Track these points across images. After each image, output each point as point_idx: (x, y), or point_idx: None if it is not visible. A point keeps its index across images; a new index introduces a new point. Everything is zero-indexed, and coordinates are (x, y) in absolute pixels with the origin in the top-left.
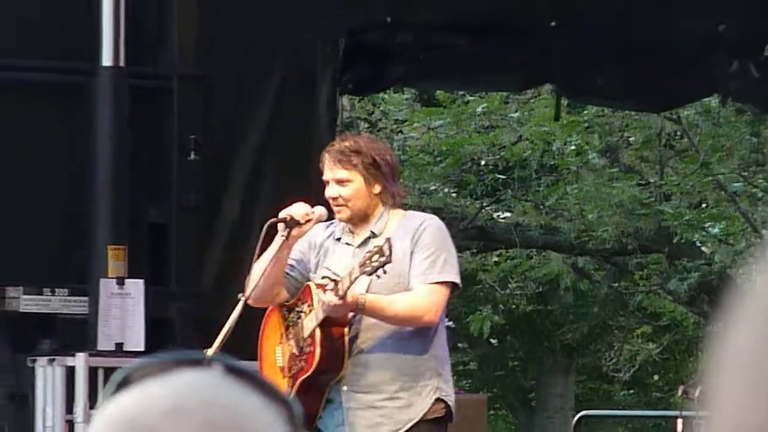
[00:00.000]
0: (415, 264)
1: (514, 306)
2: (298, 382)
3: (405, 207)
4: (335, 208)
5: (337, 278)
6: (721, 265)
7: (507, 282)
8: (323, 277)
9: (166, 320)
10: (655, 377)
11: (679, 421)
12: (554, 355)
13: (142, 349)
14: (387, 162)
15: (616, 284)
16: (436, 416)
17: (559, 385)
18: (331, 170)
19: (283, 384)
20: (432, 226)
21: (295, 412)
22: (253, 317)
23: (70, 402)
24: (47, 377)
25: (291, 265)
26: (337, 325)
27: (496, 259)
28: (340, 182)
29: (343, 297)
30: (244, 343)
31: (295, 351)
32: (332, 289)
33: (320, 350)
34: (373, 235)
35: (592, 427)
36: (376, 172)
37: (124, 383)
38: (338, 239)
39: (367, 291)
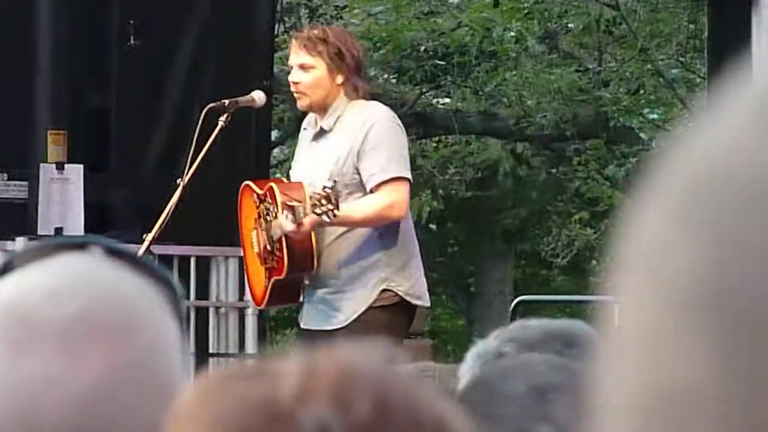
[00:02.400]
0: (368, 163)
1: (453, 191)
2: (272, 280)
3: (371, 98)
4: (296, 95)
5: (295, 205)
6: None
7: (446, 167)
8: (284, 198)
9: (107, 205)
10: (593, 262)
11: (616, 306)
12: (493, 241)
13: (81, 233)
14: (353, 55)
15: (555, 170)
16: (384, 304)
17: (498, 270)
18: (296, 54)
19: (259, 269)
20: (380, 122)
21: (176, 291)
22: (191, 203)
23: None
24: None
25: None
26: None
27: (435, 144)
28: (302, 67)
29: (298, 226)
30: (183, 229)
31: (267, 246)
32: (289, 217)
33: (288, 257)
34: (323, 131)
35: (530, 311)
36: (340, 63)
37: (6, 269)
38: (305, 129)
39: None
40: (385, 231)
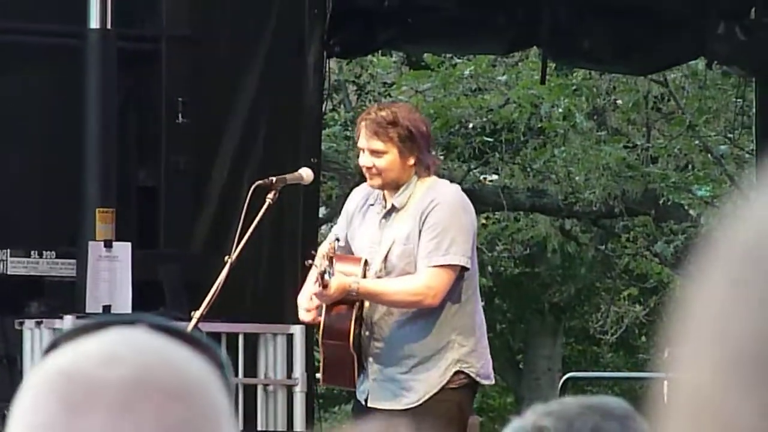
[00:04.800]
0: (421, 246)
1: (501, 268)
2: (321, 350)
3: (439, 176)
4: (368, 175)
5: (324, 268)
6: (708, 227)
7: (494, 244)
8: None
9: (155, 282)
10: (642, 339)
11: (665, 383)
12: (542, 317)
13: (129, 311)
14: (422, 133)
15: (603, 246)
16: (456, 386)
17: (547, 347)
18: (366, 140)
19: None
20: (443, 203)
21: (224, 363)
22: (239, 280)
23: None
24: (35, 340)
25: (338, 238)
26: (343, 302)
27: (483, 221)
28: (374, 153)
29: (323, 288)
30: (231, 306)
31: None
32: (316, 281)
33: (324, 319)
34: (394, 209)
35: (579, 388)
36: (412, 145)
37: (52, 347)
38: (371, 205)
39: (380, 270)
40: (459, 313)
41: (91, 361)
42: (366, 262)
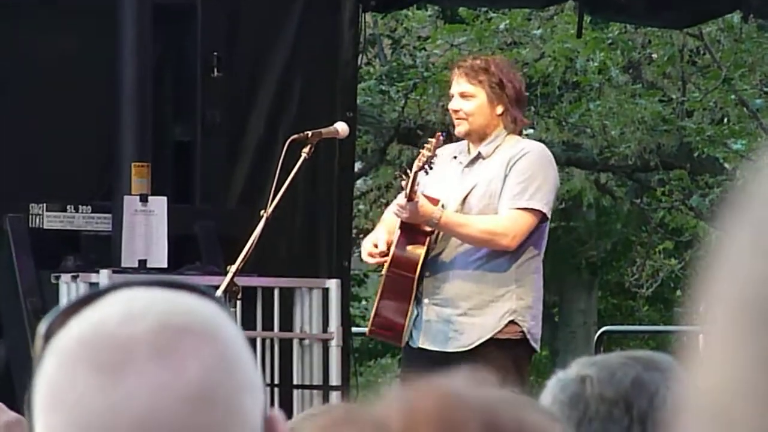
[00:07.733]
0: (506, 189)
1: None
2: (381, 283)
3: (520, 135)
4: (456, 122)
5: (414, 183)
6: (743, 180)
7: None
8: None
9: (190, 237)
10: (677, 293)
11: (701, 336)
12: (577, 271)
13: (165, 266)
14: (514, 86)
15: (639, 200)
16: (508, 337)
17: (582, 301)
18: (457, 83)
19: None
20: (533, 152)
21: (218, 299)
22: (275, 234)
23: None
24: (71, 294)
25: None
26: (418, 233)
27: None
28: (463, 96)
29: (410, 197)
30: (266, 260)
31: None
32: (404, 188)
33: (395, 250)
34: (480, 156)
35: (615, 342)
36: (501, 93)
37: (56, 325)
38: (455, 157)
39: (457, 211)
40: (524, 266)
41: (110, 323)
42: (443, 206)
